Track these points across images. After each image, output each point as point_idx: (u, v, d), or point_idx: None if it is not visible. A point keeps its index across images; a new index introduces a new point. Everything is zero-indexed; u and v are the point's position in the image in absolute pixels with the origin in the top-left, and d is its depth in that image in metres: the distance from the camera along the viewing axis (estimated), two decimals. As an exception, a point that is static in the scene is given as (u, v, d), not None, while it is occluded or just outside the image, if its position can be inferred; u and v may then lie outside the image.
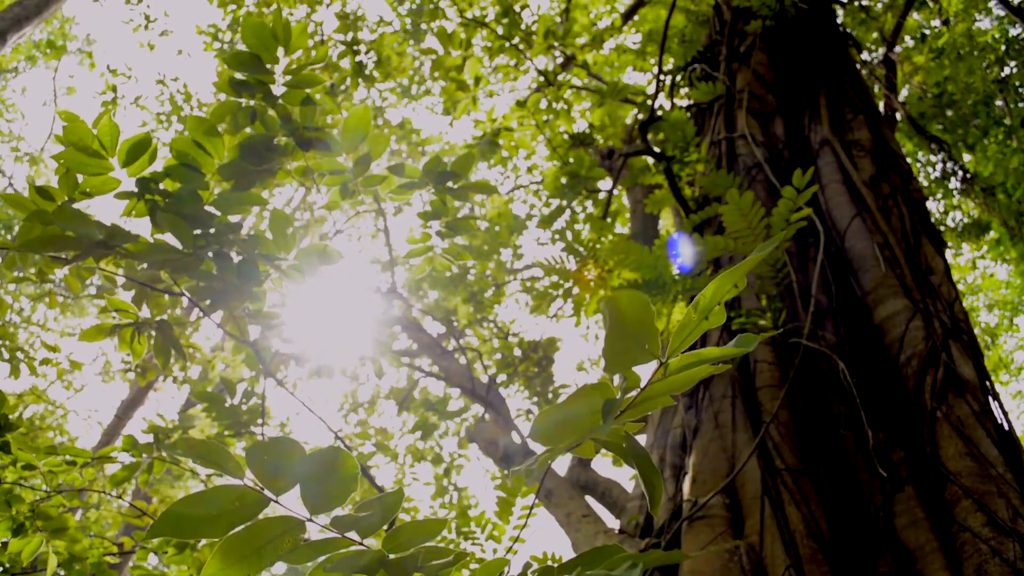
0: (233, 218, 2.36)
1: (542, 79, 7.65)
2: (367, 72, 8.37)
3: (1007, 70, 9.35)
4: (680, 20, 8.11)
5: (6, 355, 6.08)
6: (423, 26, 9.02)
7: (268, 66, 2.32)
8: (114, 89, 11.19)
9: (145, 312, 2.76)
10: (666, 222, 9.52)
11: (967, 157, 9.75)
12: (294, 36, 2.30)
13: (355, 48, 8.35)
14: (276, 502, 1.10)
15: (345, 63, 8.48)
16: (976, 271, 13.24)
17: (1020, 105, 9.12)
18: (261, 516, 1.12)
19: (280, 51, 2.30)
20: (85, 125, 2.11)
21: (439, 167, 2.50)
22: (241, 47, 2.90)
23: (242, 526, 1.10)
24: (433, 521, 1.18)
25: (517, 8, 7.84)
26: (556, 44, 7.59)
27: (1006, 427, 3.48)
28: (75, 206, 2.20)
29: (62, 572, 3.34)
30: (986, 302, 14.23)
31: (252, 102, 2.39)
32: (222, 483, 1.10)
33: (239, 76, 2.31)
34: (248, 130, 2.43)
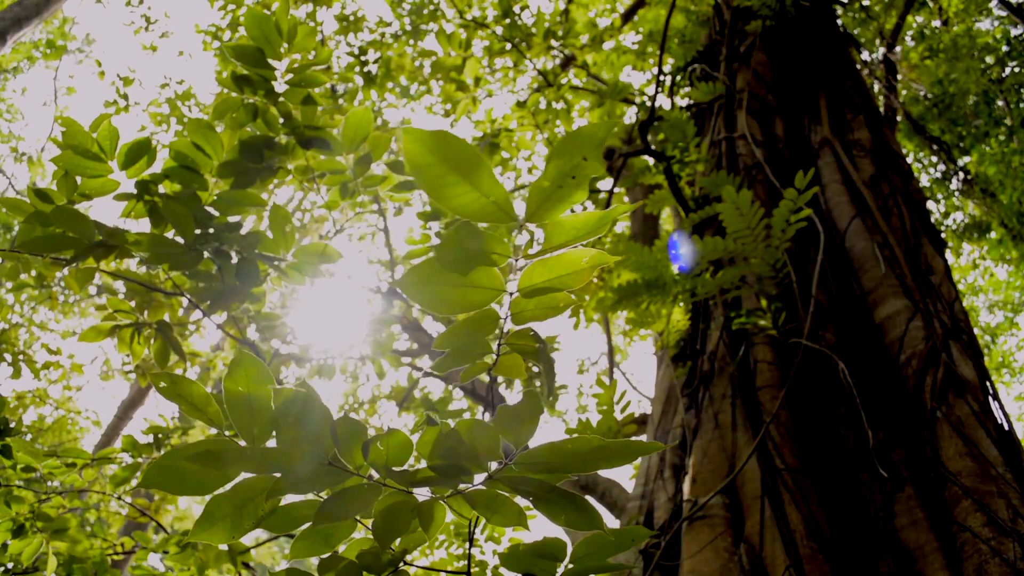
0: (232, 219, 2.36)
1: (542, 79, 7.64)
2: (376, 80, 8.38)
3: (1007, 70, 9.35)
4: (680, 20, 8.11)
5: (8, 358, 6.08)
6: (423, 26, 9.02)
7: (270, 61, 2.32)
8: (126, 97, 11.17)
9: (145, 313, 2.77)
10: (666, 222, 9.53)
11: (968, 158, 9.75)
12: (300, 36, 2.30)
13: (363, 59, 8.36)
14: (253, 451, 1.11)
15: (346, 66, 8.48)
16: (977, 271, 13.23)
17: (1021, 106, 9.12)
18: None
19: (283, 47, 2.30)
20: (84, 129, 2.11)
21: (439, 165, 2.49)
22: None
23: (226, 487, 1.12)
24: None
25: (517, 9, 7.84)
26: (556, 44, 7.59)
27: (1006, 427, 3.48)
28: (74, 207, 2.20)
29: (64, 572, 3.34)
30: (986, 303, 14.23)
31: (253, 99, 2.39)
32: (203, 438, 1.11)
33: (241, 71, 2.31)
34: (248, 128, 2.43)
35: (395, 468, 1.16)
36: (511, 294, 1.13)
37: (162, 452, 3.53)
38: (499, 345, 1.22)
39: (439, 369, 1.24)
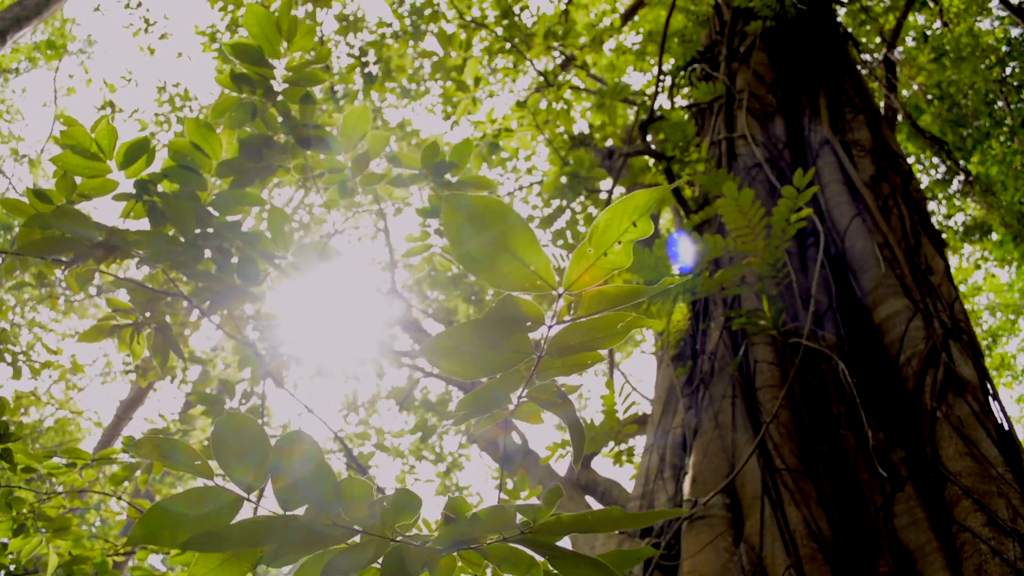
0: (232, 218, 2.36)
1: (542, 80, 7.65)
2: (376, 81, 8.40)
3: (1008, 70, 9.34)
4: (680, 20, 8.11)
5: (8, 358, 6.08)
6: (423, 27, 9.02)
7: (269, 60, 2.32)
8: (112, 105, 11.16)
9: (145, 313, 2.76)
10: (666, 222, 9.53)
11: (969, 159, 9.74)
12: (299, 34, 2.30)
13: (363, 60, 8.37)
14: (249, 500, 1.09)
15: (347, 67, 8.50)
16: (979, 271, 13.23)
17: (1021, 106, 9.11)
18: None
19: (283, 46, 2.30)
20: (83, 129, 2.11)
21: (437, 156, 2.49)
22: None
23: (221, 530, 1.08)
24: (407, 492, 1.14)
25: (516, 9, 7.84)
26: (556, 44, 7.60)
27: (1006, 427, 3.48)
28: (73, 207, 2.20)
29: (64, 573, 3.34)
30: (987, 305, 14.22)
31: (252, 98, 2.39)
32: (195, 486, 1.09)
33: (240, 70, 2.31)
34: (247, 128, 2.43)
35: (404, 529, 1.15)
36: (539, 356, 1.11)
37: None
38: (519, 398, 1.20)
39: (459, 423, 1.22)
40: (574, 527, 1.14)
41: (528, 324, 1.06)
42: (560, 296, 1.02)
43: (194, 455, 1.12)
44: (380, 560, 1.14)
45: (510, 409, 1.21)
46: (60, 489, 3.31)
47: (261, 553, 1.11)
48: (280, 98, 2.38)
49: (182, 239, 2.22)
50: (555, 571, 1.19)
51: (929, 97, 9.56)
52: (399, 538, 1.13)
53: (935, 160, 10.46)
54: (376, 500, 1.11)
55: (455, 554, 1.22)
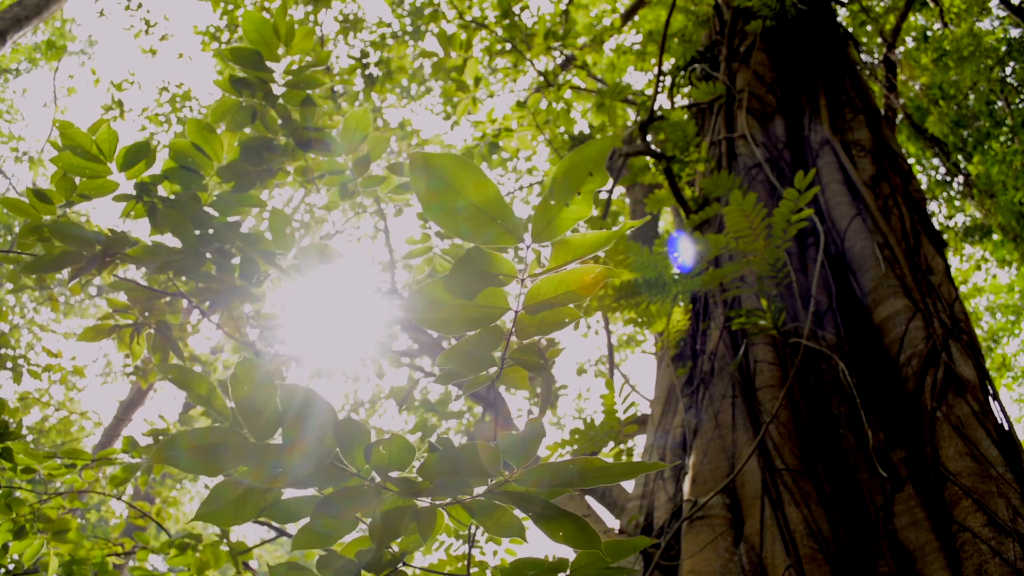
0: (232, 219, 2.36)
1: (542, 80, 7.64)
2: (377, 82, 8.40)
3: (1008, 70, 9.34)
4: (680, 20, 8.11)
5: (9, 362, 6.09)
6: (423, 27, 9.02)
7: (268, 64, 2.32)
8: (120, 104, 11.13)
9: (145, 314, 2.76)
10: (666, 222, 9.54)
11: (971, 160, 9.73)
12: (297, 37, 2.30)
13: (364, 62, 8.36)
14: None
15: (347, 68, 8.50)
16: (980, 272, 13.22)
17: (1021, 106, 9.11)
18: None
19: (281, 49, 2.30)
20: (82, 131, 2.11)
21: (438, 166, 2.49)
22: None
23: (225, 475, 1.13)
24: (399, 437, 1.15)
25: (516, 9, 7.84)
26: (556, 44, 7.60)
27: (1006, 427, 3.48)
28: (73, 209, 2.21)
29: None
30: (987, 305, 14.22)
31: (252, 101, 2.39)
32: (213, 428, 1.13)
33: (240, 74, 2.31)
34: (248, 130, 2.43)
35: (396, 474, 1.16)
36: (516, 312, 1.13)
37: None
38: (503, 359, 1.21)
39: (443, 382, 1.24)
40: (553, 475, 1.13)
41: (501, 278, 1.08)
42: (529, 248, 1.04)
43: (214, 392, 1.18)
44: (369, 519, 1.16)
45: (494, 373, 1.23)
46: (60, 489, 3.31)
47: (263, 504, 1.15)
48: (280, 101, 2.38)
49: (182, 246, 2.22)
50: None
51: (931, 98, 9.56)
52: (391, 483, 1.14)
53: (935, 161, 10.46)
54: (372, 444, 1.13)
55: (442, 510, 1.23)
